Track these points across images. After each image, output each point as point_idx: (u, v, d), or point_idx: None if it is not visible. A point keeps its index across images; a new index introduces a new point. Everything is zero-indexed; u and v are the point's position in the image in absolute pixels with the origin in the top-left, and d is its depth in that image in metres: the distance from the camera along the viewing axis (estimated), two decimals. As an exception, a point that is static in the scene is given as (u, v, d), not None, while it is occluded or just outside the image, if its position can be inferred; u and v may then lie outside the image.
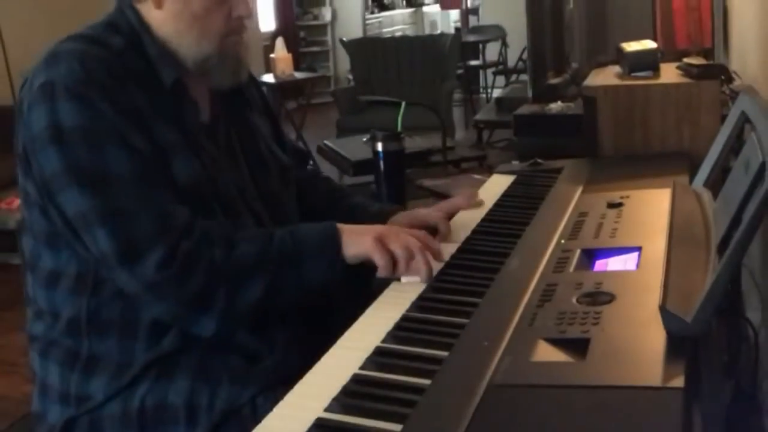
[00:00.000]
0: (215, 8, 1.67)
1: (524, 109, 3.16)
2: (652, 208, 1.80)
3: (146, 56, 1.67)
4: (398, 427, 1.10)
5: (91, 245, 1.55)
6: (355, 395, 1.23)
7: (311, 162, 2.22)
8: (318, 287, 1.65)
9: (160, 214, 1.54)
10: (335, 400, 1.21)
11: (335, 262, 1.64)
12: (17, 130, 1.62)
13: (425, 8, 14.94)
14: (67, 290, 1.64)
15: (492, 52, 10.47)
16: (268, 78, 7.74)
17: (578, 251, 1.59)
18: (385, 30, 13.31)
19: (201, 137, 1.71)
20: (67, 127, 1.53)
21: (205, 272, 1.54)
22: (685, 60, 2.64)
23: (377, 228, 1.71)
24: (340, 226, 1.68)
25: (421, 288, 1.59)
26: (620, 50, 2.70)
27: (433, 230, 1.90)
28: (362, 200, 2.15)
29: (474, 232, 1.89)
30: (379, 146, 2.58)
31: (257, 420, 1.19)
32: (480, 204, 2.08)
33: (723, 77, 2.51)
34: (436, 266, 1.67)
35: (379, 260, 1.62)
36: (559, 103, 3.13)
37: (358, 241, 1.65)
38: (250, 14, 1.73)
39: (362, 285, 1.73)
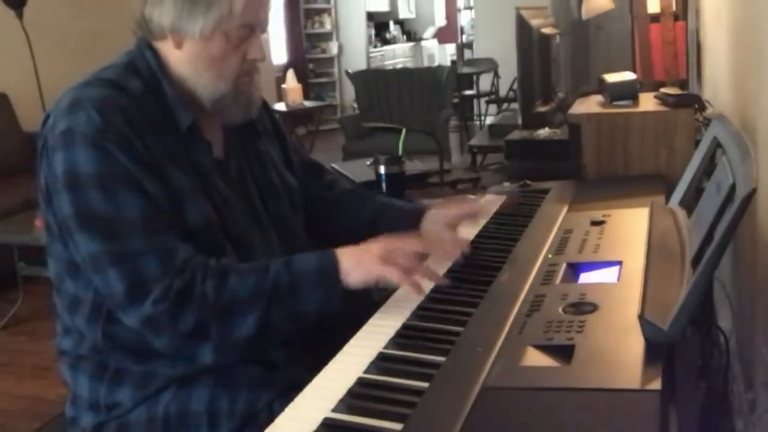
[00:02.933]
0: (231, 52, 1.65)
1: (514, 135, 3.17)
2: (631, 225, 1.80)
3: (164, 99, 1.65)
4: (399, 426, 1.11)
5: (101, 285, 1.53)
6: (360, 397, 1.23)
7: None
8: (316, 317, 1.57)
9: (164, 254, 1.50)
10: (341, 401, 1.22)
11: (333, 293, 1.56)
12: (39, 165, 1.60)
13: (424, 42, 15.00)
14: (85, 316, 1.62)
15: (485, 82, 10.48)
16: (280, 106, 7.77)
17: (564, 265, 1.59)
18: (387, 62, 13.34)
19: (213, 177, 1.69)
20: (84, 174, 1.51)
21: (196, 307, 1.49)
22: (662, 90, 2.65)
23: (374, 248, 1.60)
24: (339, 253, 1.59)
25: (419, 299, 1.58)
26: (602, 81, 2.71)
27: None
28: (397, 202, 2.13)
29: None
30: (382, 169, 2.59)
31: (273, 424, 1.19)
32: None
33: (697, 106, 2.52)
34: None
35: (397, 279, 1.54)
36: (547, 129, 3.14)
37: (362, 268, 1.56)
38: (264, 58, 1.70)
39: (365, 295, 1.72)
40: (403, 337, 1.43)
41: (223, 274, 1.53)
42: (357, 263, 1.57)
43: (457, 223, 1.94)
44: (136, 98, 1.61)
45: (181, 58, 1.66)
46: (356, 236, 1.68)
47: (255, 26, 1.66)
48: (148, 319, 1.50)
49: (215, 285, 1.51)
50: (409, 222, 1.97)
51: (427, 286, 1.60)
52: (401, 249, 1.59)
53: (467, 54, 13.46)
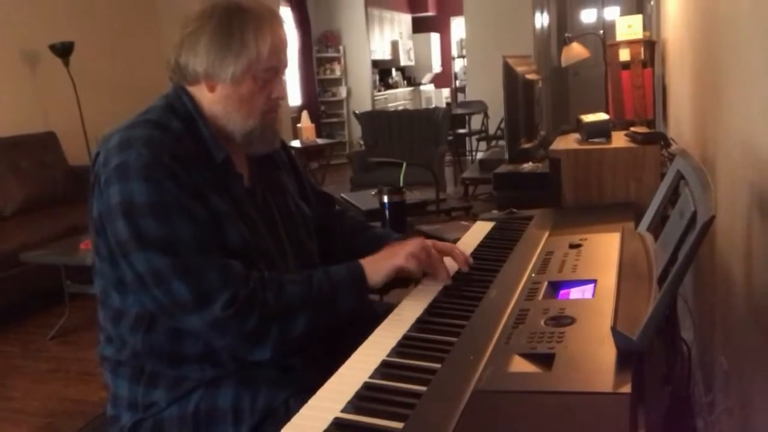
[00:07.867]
0: (258, 92, 1.67)
1: (502, 169, 3.17)
2: (605, 248, 1.80)
3: (200, 137, 1.67)
4: (400, 425, 1.10)
5: (163, 296, 1.53)
6: (366, 399, 1.23)
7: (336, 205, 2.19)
8: (349, 316, 1.66)
9: (221, 268, 1.53)
10: (350, 403, 1.22)
11: (363, 295, 1.68)
12: (92, 197, 1.61)
13: (422, 87, 15.07)
14: (128, 326, 1.64)
15: (476, 122, 10.49)
16: (295, 143, 7.80)
17: (546, 283, 1.59)
18: (389, 104, 13.39)
19: (246, 204, 1.71)
20: (139, 203, 1.51)
21: (260, 312, 1.53)
22: (632, 129, 2.66)
23: (398, 248, 1.75)
24: (363, 262, 1.70)
25: (419, 311, 1.59)
26: (579, 121, 2.72)
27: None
28: (382, 230, 2.16)
29: (462, 267, 1.89)
30: (385, 198, 2.60)
31: (289, 419, 1.19)
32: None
33: (662, 143, 2.53)
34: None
35: (415, 268, 1.72)
36: (531, 163, 3.14)
37: (380, 267, 1.69)
38: (285, 96, 1.74)
39: (370, 310, 1.74)
40: (404, 346, 1.43)
41: (280, 284, 1.59)
42: (376, 266, 1.70)
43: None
44: (176, 136, 1.63)
45: (213, 100, 1.69)
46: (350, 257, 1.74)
47: (279, 68, 1.70)
48: (215, 321, 1.52)
49: (275, 293, 1.56)
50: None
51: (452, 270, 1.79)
52: (420, 245, 1.75)
53: (460, 97, 13.54)
